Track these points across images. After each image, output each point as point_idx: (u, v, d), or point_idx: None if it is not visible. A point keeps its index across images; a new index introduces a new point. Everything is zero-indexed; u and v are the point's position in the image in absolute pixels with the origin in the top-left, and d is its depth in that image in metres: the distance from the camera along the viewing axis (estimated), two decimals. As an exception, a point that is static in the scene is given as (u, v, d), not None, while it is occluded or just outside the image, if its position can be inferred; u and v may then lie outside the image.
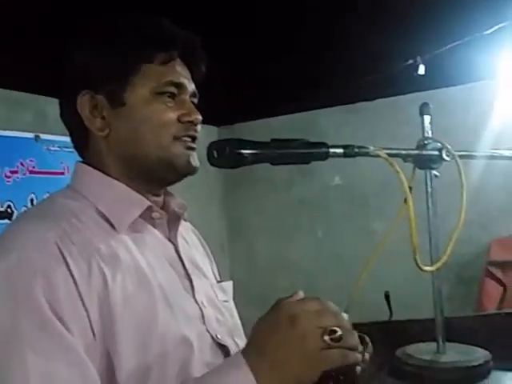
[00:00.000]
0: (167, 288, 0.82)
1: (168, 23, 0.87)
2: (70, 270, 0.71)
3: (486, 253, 3.19)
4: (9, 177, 2.59)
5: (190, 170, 0.88)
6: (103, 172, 0.86)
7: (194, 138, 0.88)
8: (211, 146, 0.82)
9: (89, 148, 0.88)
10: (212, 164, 0.83)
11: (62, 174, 2.80)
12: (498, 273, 3.07)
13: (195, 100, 0.92)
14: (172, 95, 0.86)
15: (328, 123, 3.74)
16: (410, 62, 2.59)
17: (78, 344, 0.69)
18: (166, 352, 0.76)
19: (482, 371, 0.98)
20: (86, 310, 0.71)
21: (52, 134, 2.71)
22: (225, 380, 0.67)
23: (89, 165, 0.88)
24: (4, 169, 2.56)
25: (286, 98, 3.34)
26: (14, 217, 2.55)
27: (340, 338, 0.66)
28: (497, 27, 2.20)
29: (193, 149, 0.88)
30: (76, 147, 0.92)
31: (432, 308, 1.05)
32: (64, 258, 0.72)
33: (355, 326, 1.02)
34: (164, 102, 0.85)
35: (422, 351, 1.04)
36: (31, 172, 2.69)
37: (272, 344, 0.67)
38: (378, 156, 0.87)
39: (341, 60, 2.55)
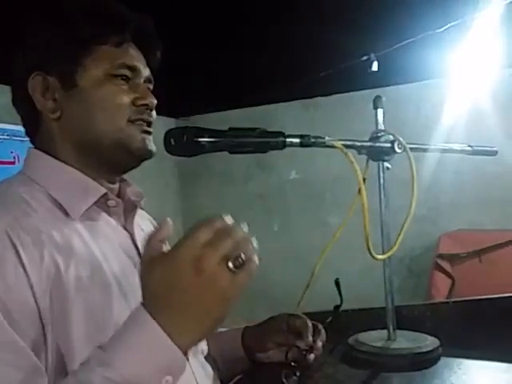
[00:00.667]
0: (122, 277, 0.80)
1: (120, 6, 0.85)
2: (20, 259, 0.69)
3: (435, 246, 3.29)
4: (-44, 166, 2.50)
5: (146, 154, 0.86)
6: (56, 158, 0.84)
7: (149, 123, 0.87)
8: (168, 134, 0.81)
9: (41, 133, 0.86)
10: (169, 152, 0.81)
11: (13, 163, 2.72)
12: (447, 266, 3.16)
13: (150, 86, 0.90)
14: (126, 78, 0.85)
15: (285, 117, 3.78)
16: (364, 58, 2.63)
17: (21, 337, 0.66)
18: None
19: (432, 357, 1.00)
20: (36, 300, 0.69)
21: (1, 122, 2.63)
22: (133, 341, 0.61)
23: (42, 151, 0.85)
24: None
25: (244, 91, 3.35)
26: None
27: (244, 261, 0.61)
28: (449, 25, 2.26)
29: (149, 133, 0.86)
30: (28, 133, 0.89)
31: (383, 299, 1.07)
32: (14, 246, 0.69)
33: (309, 315, 1.05)
34: (117, 85, 0.83)
35: (373, 339, 1.06)
36: (-20, 162, 2.61)
37: (181, 298, 0.61)
38: (333, 146, 0.88)
39: (296, 55, 2.57)
